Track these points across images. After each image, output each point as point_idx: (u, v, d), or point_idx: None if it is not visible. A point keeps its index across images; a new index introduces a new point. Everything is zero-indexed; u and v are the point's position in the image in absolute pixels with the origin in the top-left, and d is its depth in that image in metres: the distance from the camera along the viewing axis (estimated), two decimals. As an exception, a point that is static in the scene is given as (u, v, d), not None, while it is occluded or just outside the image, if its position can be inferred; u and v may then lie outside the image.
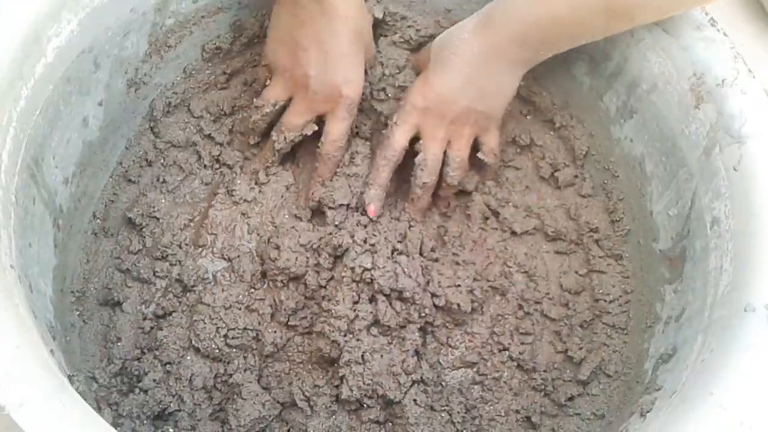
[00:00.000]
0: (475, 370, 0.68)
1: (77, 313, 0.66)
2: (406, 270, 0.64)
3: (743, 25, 0.85)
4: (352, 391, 0.62)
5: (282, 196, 0.72)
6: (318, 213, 0.71)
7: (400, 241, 0.67)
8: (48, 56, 0.55)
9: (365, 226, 0.67)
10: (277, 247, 0.67)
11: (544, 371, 0.67)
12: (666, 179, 0.63)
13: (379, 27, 0.73)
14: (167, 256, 0.69)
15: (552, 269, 0.71)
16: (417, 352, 0.66)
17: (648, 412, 0.53)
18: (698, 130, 0.59)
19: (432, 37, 0.72)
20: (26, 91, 0.54)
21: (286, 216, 0.71)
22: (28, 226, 0.56)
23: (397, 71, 0.71)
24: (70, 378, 0.51)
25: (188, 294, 0.68)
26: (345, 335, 0.62)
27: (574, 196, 0.73)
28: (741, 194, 0.54)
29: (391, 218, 0.70)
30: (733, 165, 0.55)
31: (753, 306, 0.48)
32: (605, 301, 0.68)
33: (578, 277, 0.71)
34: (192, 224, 0.72)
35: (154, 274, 0.69)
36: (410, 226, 0.69)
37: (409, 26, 0.73)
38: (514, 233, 0.73)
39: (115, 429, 0.42)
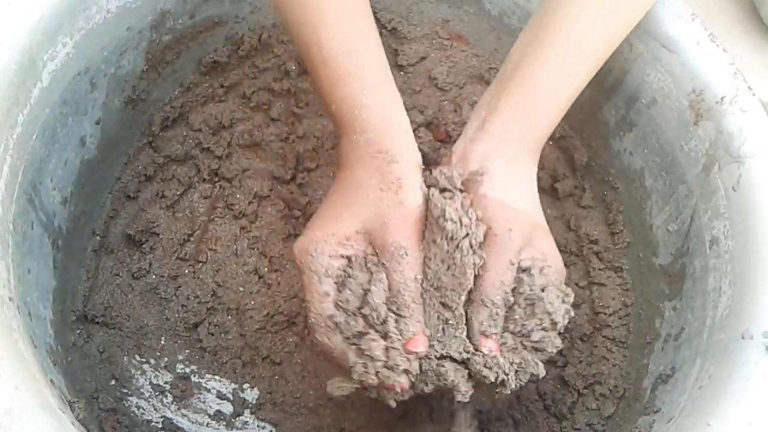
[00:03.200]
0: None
1: (78, 332, 0.66)
2: None
3: (742, 37, 0.84)
4: None
5: (281, 211, 0.72)
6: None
7: None
8: (44, 81, 0.55)
9: None
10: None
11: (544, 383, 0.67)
12: (666, 194, 0.63)
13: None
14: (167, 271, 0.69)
15: (552, 281, 0.71)
16: None
17: (645, 435, 0.53)
18: (697, 147, 0.58)
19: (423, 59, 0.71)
20: (23, 117, 0.53)
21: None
22: (27, 252, 0.56)
23: None
24: (71, 404, 0.52)
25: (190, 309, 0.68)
26: None
27: (574, 207, 0.73)
28: (740, 215, 0.53)
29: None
30: (732, 185, 0.55)
31: (751, 333, 0.48)
32: (605, 314, 0.68)
33: (578, 289, 0.71)
34: (192, 239, 0.72)
35: (154, 290, 0.69)
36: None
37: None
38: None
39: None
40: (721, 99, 0.57)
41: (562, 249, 0.72)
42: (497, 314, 0.50)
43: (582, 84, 0.56)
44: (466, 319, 0.50)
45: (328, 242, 0.50)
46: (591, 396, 0.66)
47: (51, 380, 0.50)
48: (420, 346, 0.48)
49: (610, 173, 0.70)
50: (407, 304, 0.49)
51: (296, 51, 0.58)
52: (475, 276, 0.50)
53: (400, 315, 0.49)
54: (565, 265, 0.71)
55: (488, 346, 0.49)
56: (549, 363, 0.68)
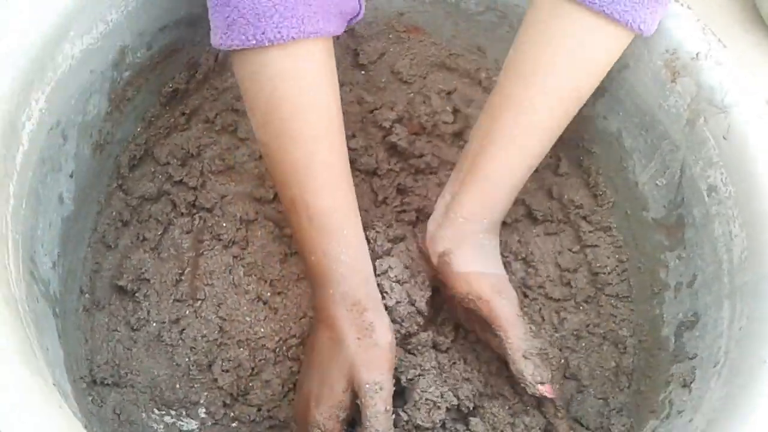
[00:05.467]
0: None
1: (90, 398, 0.62)
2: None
3: (742, 35, 0.87)
4: None
5: (272, 232, 0.70)
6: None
7: None
8: (24, 144, 0.51)
9: None
10: None
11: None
12: (648, 152, 0.66)
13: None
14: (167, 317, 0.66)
15: (546, 251, 0.73)
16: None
17: (692, 383, 0.56)
18: (678, 103, 0.61)
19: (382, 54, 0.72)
20: (12, 187, 0.49)
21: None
22: (42, 330, 0.52)
23: None
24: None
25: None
26: None
27: (552, 176, 0.75)
28: (736, 162, 0.57)
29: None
30: (722, 134, 0.58)
31: (779, 270, 0.51)
32: (604, 273, 0.71)
33: (572, 254, 0.73)
34: (184, 278, 0.69)
35: (158, 338, 0.66)
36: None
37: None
38: (504, 223, 0.74)
39: None
40: (696, 55, 0.59)
41: (549, 219, 0.74)
42: (539, 359, 0.59)
43: (530, 171, 0.63)
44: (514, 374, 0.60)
45: (321, 413, 0.58)
46: (607, 353, 0.69)
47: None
48: None
49: (584, 139, 0.72)
50: None
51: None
52: (497, 336, 0.60)
53: None
54: (555, 233, 0.74)
55: (547, 391, 0.59)
56: (560, 328, 0.71)
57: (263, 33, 0.52)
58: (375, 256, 0.64)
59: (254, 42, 0.53)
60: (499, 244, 0.65)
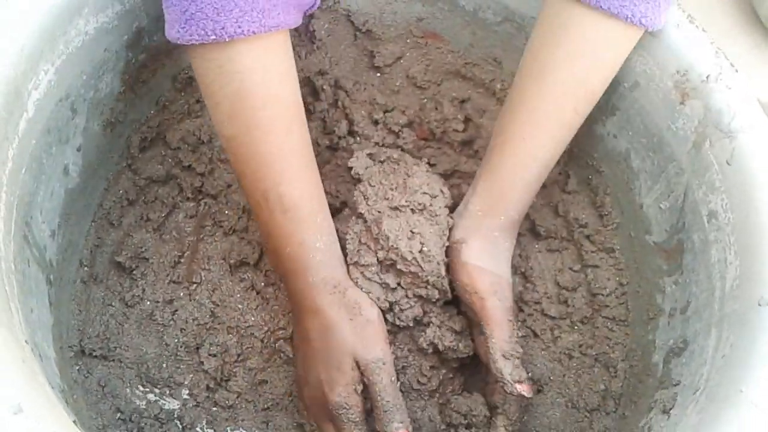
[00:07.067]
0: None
1: (77, 368, 0.63)
2: None
3: (741, 37, 0.86)
4: None
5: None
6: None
7: None
8: (29, 111, 0.53)
9: None
10: None
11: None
12: (655, 173, 0.65)
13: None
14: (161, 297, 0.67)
15: (547, 268, 0.73)
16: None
17: (671, 409, 0.54)
18: (686, 125, 0.60)
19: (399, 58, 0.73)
20: (12, 151, 0.51)
21: None
22: (28, 291, 0.53)
23: None
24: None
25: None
26: None
27: (560, 193, 0.74)
28: (738, 188, 0.55)
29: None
30: (726, 159, 0.57)
31: (767, 300, 0.50)
32: (602, 294, 0.70)
33: (573, 273, 0.72)
34: (183, 260, 0.70)
35: (150, 317, 0.67)
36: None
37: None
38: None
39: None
40: (707, 77, 0.58)
41: (553, 235, 0.73)
42: (519, 361, 0.61)
43: (545, 170, 0.64)
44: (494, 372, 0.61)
45: (340, 393, 0.59)
46: (597, 376, 0.68)
47: (74, 420, 0.47)
48: None
49: (594, 157, 0.71)
50: (389, 405, 0.59)
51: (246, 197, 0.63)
52: (482, 334, 0.62)
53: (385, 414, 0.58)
54: (557, 250, 0.73)
55: (524, 389, 0.60)
56: (552, 346, 0.70)
57: (223, 28, 0.52)
58: None
59: (214, 37, 0.52)
60: (512, 248, 0.66)
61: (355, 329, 0.59)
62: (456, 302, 0.67)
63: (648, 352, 0.64)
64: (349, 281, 0.61)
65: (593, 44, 0.58)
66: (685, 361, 0.57)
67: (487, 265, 0.64)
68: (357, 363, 0.59)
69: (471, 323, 0.66)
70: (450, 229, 0.65)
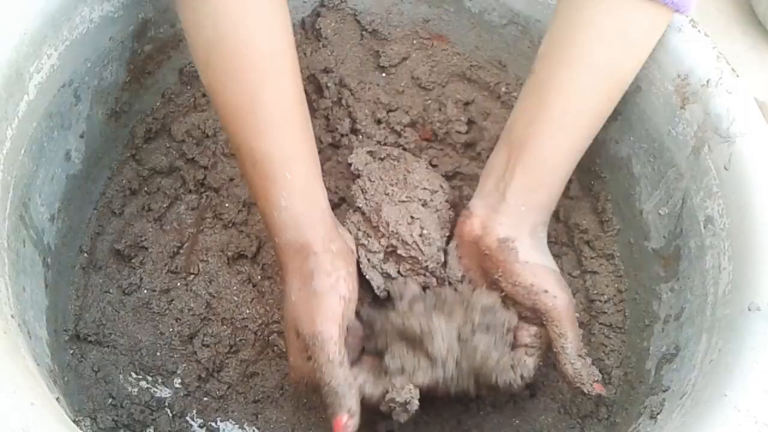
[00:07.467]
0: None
1: (71, 352, 0.64)
2: None
3: (739, 37, 0.86)
4: None
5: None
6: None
7: None
8: (30, 94, 0.54)
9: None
10: None
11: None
12: (655, 179, 0.64)
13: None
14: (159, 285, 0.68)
15: (545, 273, 0.72)
16: None
17: (658, 414, 0.53)
18: (685, 130, 0.60)
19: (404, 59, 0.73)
20: (11, 131, 0.52)
21: None
22: (21, 270, 0.54)
23: None
24: (76, 423, 0.50)
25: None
26: None
27: (562, 198, 0.73)
28: (733, 193, 0.55)
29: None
30: (723, 164, 0.56)
31: (757, 305, 0.49)
32: (600, 301, 0.69)
33: (571, 278, 0.71)
34: (182, 251, 0.71)
35: (147, 305, 0.68)
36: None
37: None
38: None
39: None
40: (707, 82, 0.58)
41: (553, 240, 0.72)
42: (590, 359, 0.58)
43: (579, 156, 0.62)
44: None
45: (289, 353, 0.58)
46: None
47: (57, 398, 0.48)
48: (342, 424, 0.54)
49: (596, 163, 0.71)
50: (328, 387, 0.54)
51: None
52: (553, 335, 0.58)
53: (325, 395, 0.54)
54: (557, 255, 0.72)
55: (602, 389, 0.57)
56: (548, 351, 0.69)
57: None
58: None
59: None
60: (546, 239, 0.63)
61: (299, 299, 0.56)
62: None
63: (642, 359, 0.63)
64: (319, 246, 0.57)
65: (627, 27, 0.56)
66: (675, 367, 0.56)
67: (546, 262, 0.60)
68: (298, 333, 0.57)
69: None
70: (457, 223, 0.62)
